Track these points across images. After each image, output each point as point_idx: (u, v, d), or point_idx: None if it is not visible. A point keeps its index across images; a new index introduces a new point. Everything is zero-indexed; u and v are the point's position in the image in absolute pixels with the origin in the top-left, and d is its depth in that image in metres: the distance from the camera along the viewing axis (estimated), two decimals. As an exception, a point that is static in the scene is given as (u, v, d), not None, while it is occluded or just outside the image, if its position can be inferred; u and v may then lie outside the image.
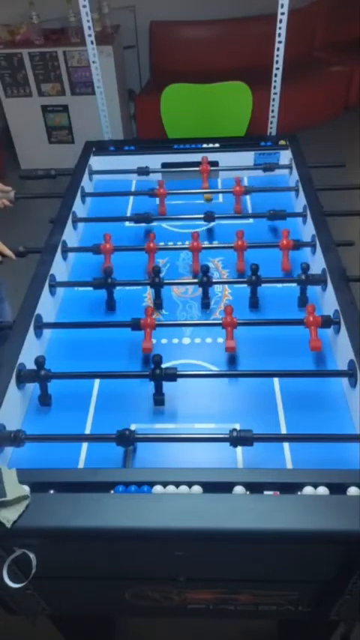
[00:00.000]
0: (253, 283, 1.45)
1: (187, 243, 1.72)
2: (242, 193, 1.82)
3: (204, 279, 1.46)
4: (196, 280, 1.50)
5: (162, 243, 1.71)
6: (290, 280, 1.49)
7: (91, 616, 1.53)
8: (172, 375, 1.20)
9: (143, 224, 1.81)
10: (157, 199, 1.87)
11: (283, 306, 1.48)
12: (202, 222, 1.81)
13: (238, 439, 1.04)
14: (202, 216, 1.78)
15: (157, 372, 1.19)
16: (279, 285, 1.52)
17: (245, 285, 1.48)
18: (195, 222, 1.80)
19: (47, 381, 1.22)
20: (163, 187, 1.87)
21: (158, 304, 1.50)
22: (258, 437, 1.04)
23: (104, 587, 1.12)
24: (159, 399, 1.23)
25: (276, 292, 1.51)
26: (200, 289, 1.52)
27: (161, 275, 1.48)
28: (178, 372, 1.20)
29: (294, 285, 1.47)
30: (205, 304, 1.50)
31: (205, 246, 1.61)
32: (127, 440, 1.07)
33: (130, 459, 1.12)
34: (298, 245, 1.57)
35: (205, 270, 1.46)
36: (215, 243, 1.70)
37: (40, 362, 1.20)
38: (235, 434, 1.04)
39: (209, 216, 1.73)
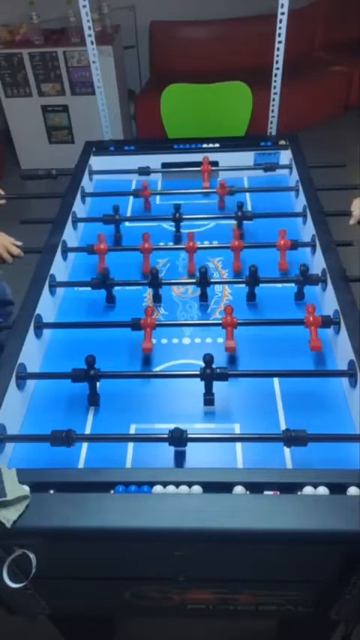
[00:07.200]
0: (250, 284, 1.45)
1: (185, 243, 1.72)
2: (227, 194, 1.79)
3: (202, 280, 1.46)
4: (194, 280, 1.50)
5: (162, 243, 1.72)
6: (288, 280, 1.49)
7: (91, 616, 1.53)
8: (224, 375, 1.18)
9: (142, 223, 1.81)
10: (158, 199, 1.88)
11: (282, 306, 1.48)
12: (201, 222, 1.81)
13: (291, 439, 1.04)
14: (202, 216, 1.79)
15: (207, 372, 1.18)
16: (279, 285, 1.52)
17: (244, 285, 1.48)
18: (194, 223, 1.80)
19: (97, 380, 1.21)
20: (148, 189, 1.89)
21: (158, 299, 1.51)
22: (313, 437, 1.05)
23: (104, 587, 1.12)
24: (209, 399, 1.20)
25: (276, 292, 1.51)
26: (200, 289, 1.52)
27: (160, 275, 1.48)
28: (229, 372, 1.19)
29: (293, 284, 1.47)
30: (203, 296, 1.50)
31: (200, 246, 1.61)
32: (179, 440, 1.06)
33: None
34: (296, 245, 1.57)
35: (204, 271, 1.46)
36: (215, 243, 1.70)
37: (89, 362, 1.18)
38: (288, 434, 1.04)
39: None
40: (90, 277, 1.50)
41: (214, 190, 1.87)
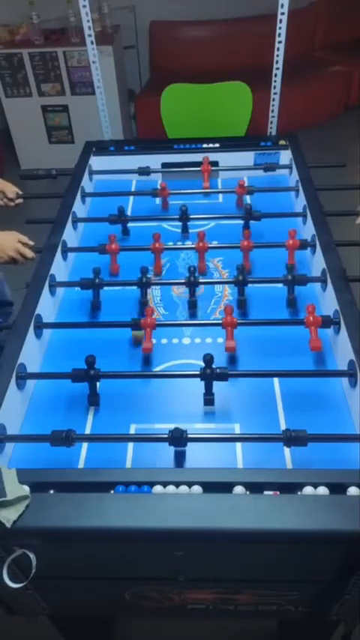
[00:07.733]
0: (239, 284, 1.45)
1: (187, 243, 1.73)
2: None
3: (191, 278, 1.45)
4: (183, 280, 1.48)
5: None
6: (276, 280, 1.46)
7: (91, 616, 1.53)
8: (224, 375, 1.18)
9: (145, 223, 1.81)
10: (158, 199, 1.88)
11: (282, 306, 1.48)
12: (202, 222, 1.81)
13: (291, 439, 1.04)
14: (202, 216, 1.79)
15: (207, 372, 1.18)
16: (279, 285, 1.52)
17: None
18: (195, 223, 1.79)
19: (97, 380, 1.21)
20: (167, 188, 1.89)
21: (145, 303, 1.49)
22: (313, 437, 1.04)
23: (104, 587, 1.12)
24: (208, 399, 1.21)
25: (277, 292, 1.51)
26: (202, 288, 1.53)
27: (162, 275, 1.49)
28: (229, 372, 1.19)
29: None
30: (192, 303, 1.48)
31: (212, 246, 1.60)
32: (179, 440, 1.06)
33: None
34: (304, 245, 1.57)
35: (193, 270, 1.46)
36: (215, 243, 1.69)
37: (89, 362, 1.18)
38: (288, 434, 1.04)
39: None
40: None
41: (233, 190, 1.87)
